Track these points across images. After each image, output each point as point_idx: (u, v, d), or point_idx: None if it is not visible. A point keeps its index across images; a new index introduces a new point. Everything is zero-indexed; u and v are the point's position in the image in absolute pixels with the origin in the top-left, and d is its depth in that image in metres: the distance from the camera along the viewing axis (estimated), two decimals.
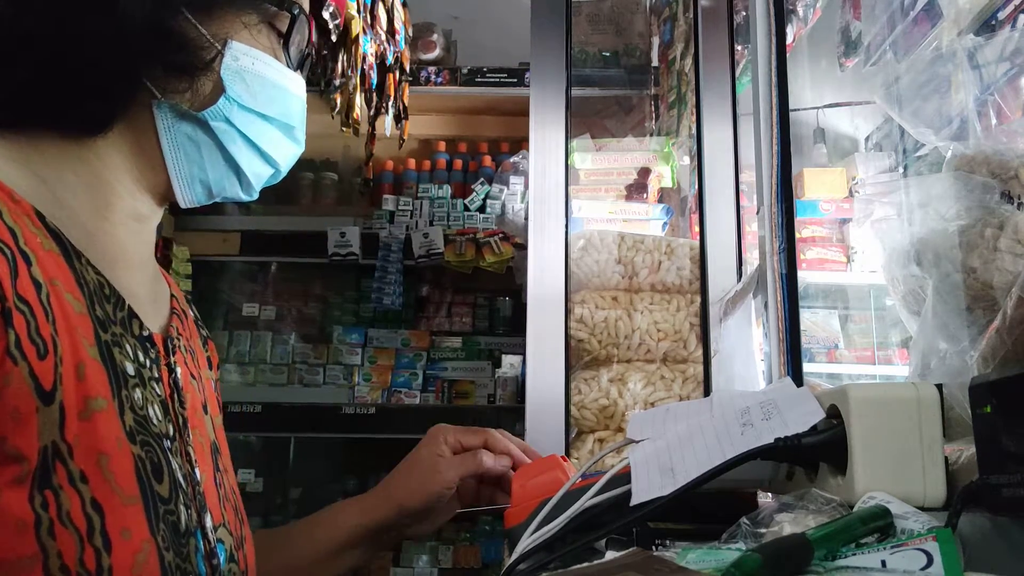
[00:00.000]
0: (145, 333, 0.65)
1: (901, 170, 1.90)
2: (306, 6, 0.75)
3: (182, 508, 0.62)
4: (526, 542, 0.68)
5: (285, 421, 3.06)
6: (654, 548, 0.62)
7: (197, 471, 0.66)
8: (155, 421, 0.62)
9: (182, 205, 0.71)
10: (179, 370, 0.69)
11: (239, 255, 3.33)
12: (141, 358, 0.64)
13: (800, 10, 1.91)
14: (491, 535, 3.03)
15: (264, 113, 0.70)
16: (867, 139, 2.35)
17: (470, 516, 3.18)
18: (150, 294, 0.71)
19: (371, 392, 3.17)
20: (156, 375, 0.65)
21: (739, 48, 1.62)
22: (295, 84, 0.73)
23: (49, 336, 0.54)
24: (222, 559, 0.66)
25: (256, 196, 0.75)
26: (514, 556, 0.66)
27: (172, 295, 0.76)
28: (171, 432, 0.64)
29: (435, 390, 3.19)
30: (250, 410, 3.01)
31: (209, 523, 0.65)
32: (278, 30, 0.72)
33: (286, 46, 0.72)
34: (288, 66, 0.72)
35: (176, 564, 0.59)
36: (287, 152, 0.74)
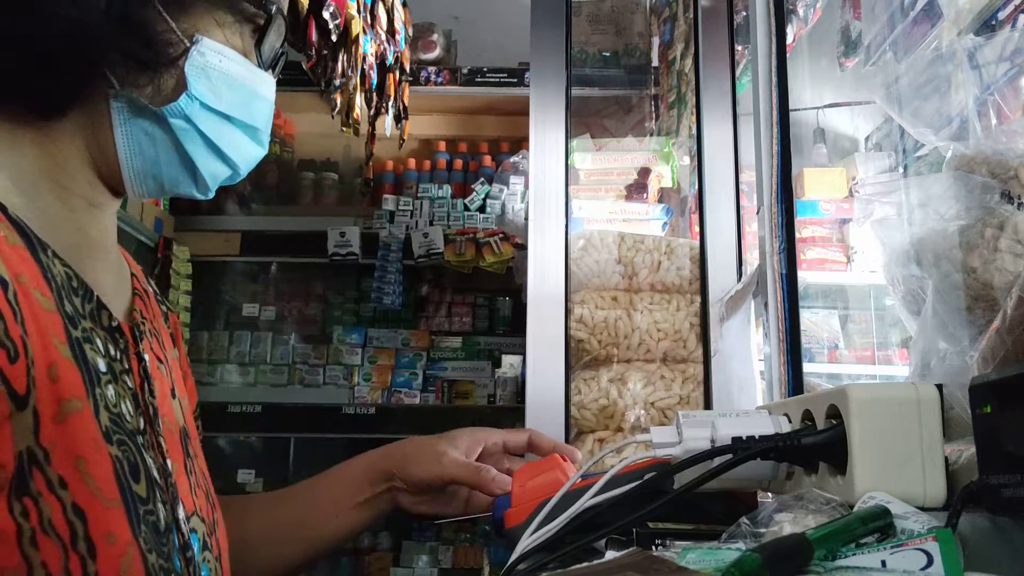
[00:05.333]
0: (114, 324, 0.63)
1: (901, 170, 1.90)
2: (284, 5, 0.73)
3: (160, 506, 0.60)
4: (526, 542, 0.68)
5: (285, 421, 3.06)
6: (654, 548, 0.62)
7: (169, 462, 0.64)
8: (128, 417, 0.60)
9: (131, 197, 0.69)
10: (147, 357, 0.66)
11: (240, 255, 3.33)
12: (112, 351, 0.61)
13: (800, 10, 1.91)
14: (490, 536, 3.03)
15: (227, 114, 0.67)
16: (867, 139, 2.35)
17: (470, 517, 3.17)
18: (116, 281, 0.68)
19: (371, 392, 3.17)
20: (126, 366, 0.63)
21: (739, 48, 1.62)
22: (264, 86, 0.70)
23: (19, 337, 0.51)
24: (196, 550, 0.65)
25: (211, 195, 0.72)
26: (514, 556, 0.66)
27: (132, 274, 0.73)
28: (142, 426, 0.62)
29: (435, 390, 3.20)
30: (250, 410, 3.01)
31: (182, 514, 0.64)
32: (252, 27, 0.69)
33: (259, 46, 0.69)
34: (259, 66, 0.70)
35: (159, 565, 0.57)
36: (249, 154, 0.71)
